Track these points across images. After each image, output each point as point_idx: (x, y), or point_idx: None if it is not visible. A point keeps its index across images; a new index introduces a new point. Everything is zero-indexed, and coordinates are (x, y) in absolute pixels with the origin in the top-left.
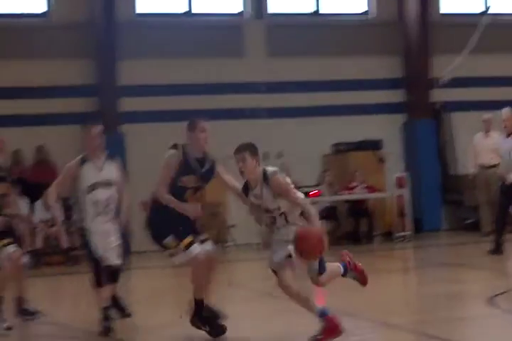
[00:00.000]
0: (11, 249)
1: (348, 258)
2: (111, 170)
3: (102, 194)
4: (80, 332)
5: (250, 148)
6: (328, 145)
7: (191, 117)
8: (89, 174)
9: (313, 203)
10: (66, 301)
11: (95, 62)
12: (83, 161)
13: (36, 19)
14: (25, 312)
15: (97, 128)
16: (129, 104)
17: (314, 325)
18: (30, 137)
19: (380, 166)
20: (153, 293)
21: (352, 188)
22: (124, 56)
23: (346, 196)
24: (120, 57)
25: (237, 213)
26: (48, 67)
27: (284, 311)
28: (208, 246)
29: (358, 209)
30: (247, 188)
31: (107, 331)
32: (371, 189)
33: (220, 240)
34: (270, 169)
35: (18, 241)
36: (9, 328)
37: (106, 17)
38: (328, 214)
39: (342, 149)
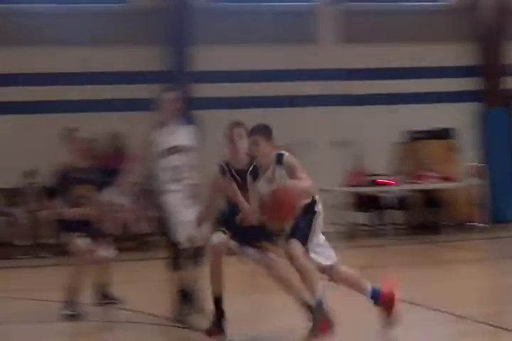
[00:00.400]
0: (82, 241)
1: (387, 290)
2: (185, 136)
3: (175, 160)
4: (157, 319)
5: (264, 131)
6: (399, 134)
7: (260, 105)
8: (163, 139)
9: (384, 192)
10: (140, 288)
11: (169, 48)
12: (158, 126)
13: (115, 5)
14: (105, 297)
15: (172, 94)
16: (201, 90)
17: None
18: (104, 123)
19: (452, 155)
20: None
21: (424, 177)
22: (197, 42)
23: (421, 185)
24: (194, 43)
25: None
26: (123, 53)
27: (356, 302)
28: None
29: (430, 199)
30: (256, 172)
31: (182, 316)
32: (444, 178)
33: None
34: (285, 153)
35: (97, 234)
36: (75, 315)
37: (181, 3)
38: (401, 204)
39: (414, 137)
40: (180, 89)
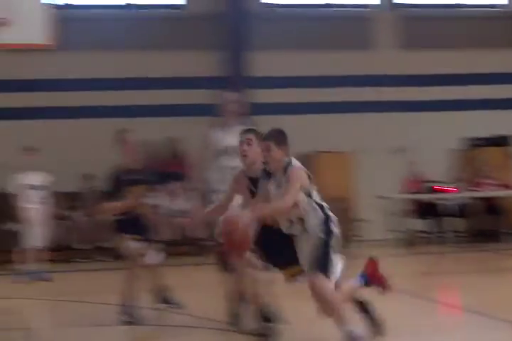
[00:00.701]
0: (134, 244)
1: (370, 270)
2: None
3: (234, 160)
4: (214, 323)
5: (277, 137)
6: (456, 140)
7: (317, 111)
8: (224, 138)
9: (443, 199)
10: (198, 292)
11: (227, 53)
12: (217, 126)
13: (173, 11)
14: (165, 301)
15: (232, 95)
16: (258, 95)
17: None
18: (161, 128)
19: (510, 163)
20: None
21: (483, 185)
22: (254, 47)
23: (482, 193)
24: (251, 48)
25: (367, 208)
26: (181, 58)
27: (415, 309)
28: None
29: (490, 206)
30: (268, 175)
31: (235, 320)
32: (503, 186)
33: (346, 235)
34: (296, 162)
35: (149, 237)
36: (132, 321)
37: (239, 8)
38: (461, 211)
39: (472, 144)
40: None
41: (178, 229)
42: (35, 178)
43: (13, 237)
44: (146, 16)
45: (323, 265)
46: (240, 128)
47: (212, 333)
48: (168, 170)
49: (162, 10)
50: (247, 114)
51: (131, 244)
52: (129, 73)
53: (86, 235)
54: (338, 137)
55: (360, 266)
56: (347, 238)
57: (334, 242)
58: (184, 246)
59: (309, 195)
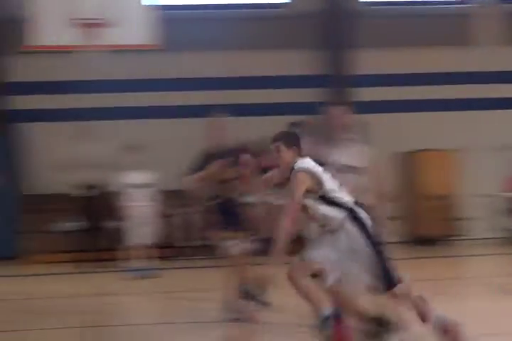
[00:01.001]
0: (232, 242)
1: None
2: (355, 156)
3: (340, 179)
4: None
5: (286, 138)
6: None
7: (418, 109)
8: (331, 156)
9: None
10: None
11: (328, 52)
12: (326, 141)
13: (274, 10)
14: (256, 300)
15: (337, 109)
16: (359, 94)
17: None
18: (261, 127)
19: None
20: None
21: None
22: (356, 46)
23: None
24: (352, 46)
25: (471, 206)
26: (283, 57)
27: None
28: None
29: None
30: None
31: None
32: None
33: (448, 234)
34: (300, 164)
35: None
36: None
37: (340, 7)
38: None
39: None
40: (341, 94)
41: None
42: (139, 177)
43: (118, 235)
44: (248, 16)
45: (388, 279)
46: (347, 142)
47: (302, 331)
48: (264, 168)
49: (264, 9)
50: (353, 127)
51: (229, 242)
52: (231, 72)
53: (193, 232)
54: (441, 135)
55: (463, 264)
56: (450, 236)
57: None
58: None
59: (322, 197)
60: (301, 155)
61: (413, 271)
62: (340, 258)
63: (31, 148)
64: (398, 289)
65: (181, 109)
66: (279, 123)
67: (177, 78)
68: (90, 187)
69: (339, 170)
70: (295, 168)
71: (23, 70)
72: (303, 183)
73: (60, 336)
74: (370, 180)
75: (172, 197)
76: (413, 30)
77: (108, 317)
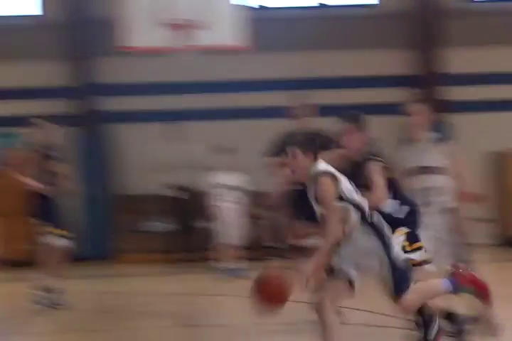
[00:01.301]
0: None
1: (460, 271)
2: (437, 156)
3: (422, 181)
4: (392, 320)
5: (302, 142)
6: None
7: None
8: (408, 156)
9: None
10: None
11: (419, 50)
12: (403, 142)
13: (366, 9)
14: None
15: (415, 106)
16: (451, 93)
17: None
18: None
19: None
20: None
21: None
22: (448, 44)
23: None
24: (444, 45)
25: None
26: (373, 57)
27: None
28: None
29: None
30: (303, 191)
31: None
32: None
33: None
34: (321, 168)
35: None
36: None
37: (432, 4)
38: None
39: None
40: (430, 93)
41: None
42: (229, 178)
43: (208, 235)
44: (338, 16)
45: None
46: (427, 143)
47: (397, 332)
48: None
49: (354, 9)
50: (435, 126)
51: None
52: (322, 72)
53: (281, 234)
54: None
55: None
56: None
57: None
58: None
59: (340, 197)
60: (317, 160)
61: (504, 274)
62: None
63: (123, 149)
64: (404, 300)
65: (271, 110)
66: (371, 124)
67: (270, 79)
68: (181, 188)
69: (419, 171)
70: (316, 172)
71: (114, 71)
72: (331, 187)
73: (152, 336)
74: (452, 180)
75: (264, 199)
76: (504, 28)
77: (201, 317)
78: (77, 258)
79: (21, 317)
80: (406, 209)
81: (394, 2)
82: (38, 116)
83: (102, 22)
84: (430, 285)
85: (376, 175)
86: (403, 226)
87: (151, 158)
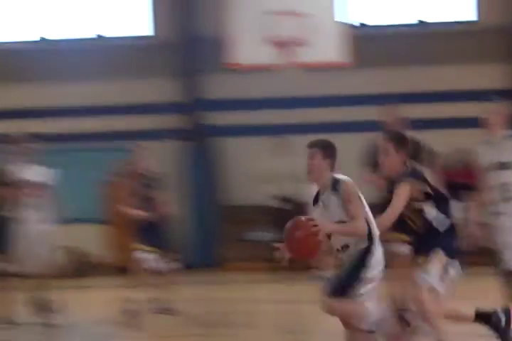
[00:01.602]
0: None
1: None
2: (510, 151)
3: (503, 177)
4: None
5: (323, 147)
6: None
7: None
8: (486, 153)
9: None
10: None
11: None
12: (484, 140)
13: (464, 25)
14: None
15: (494, 106)
16: None
17: None
18: (448, 140)
19: None
20: None
21: None
22: None
23: None
24: None
25: None
26: (466, 71)
27: None
28: None
29: None
30: (318, 194)
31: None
32: None
33: None
34: (343, 177)
35: None
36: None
37: None
38: None
39: None
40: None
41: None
42: None
43: None
44: (436, 32)
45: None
46: (506, 142)
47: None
48: (457, 181)
49: (451, 25)
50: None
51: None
52: (413, 87)
53: None
54: None
55: None
56: None
57: (371, 273)
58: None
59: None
60: (333, 169)
61: None
62: None
63: (229, 162)
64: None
65: (367, 124)
66: (465, 137)
67: (370, 93)
68: (285, 199)
69: (498, 168)
70: (342, 182)
71: (221, 87)
72: (358, 199)
73: None
74: None
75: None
76: None
77: (303, 324)
78: (186, 265)
79: (128, 321)
80: (448, 222)
81: (492, 18)
82: (147, 134)
83: (209, 40)
84: (361, 309)
85: (396, 197)
86: (441, 242)
87: (256, 171)
